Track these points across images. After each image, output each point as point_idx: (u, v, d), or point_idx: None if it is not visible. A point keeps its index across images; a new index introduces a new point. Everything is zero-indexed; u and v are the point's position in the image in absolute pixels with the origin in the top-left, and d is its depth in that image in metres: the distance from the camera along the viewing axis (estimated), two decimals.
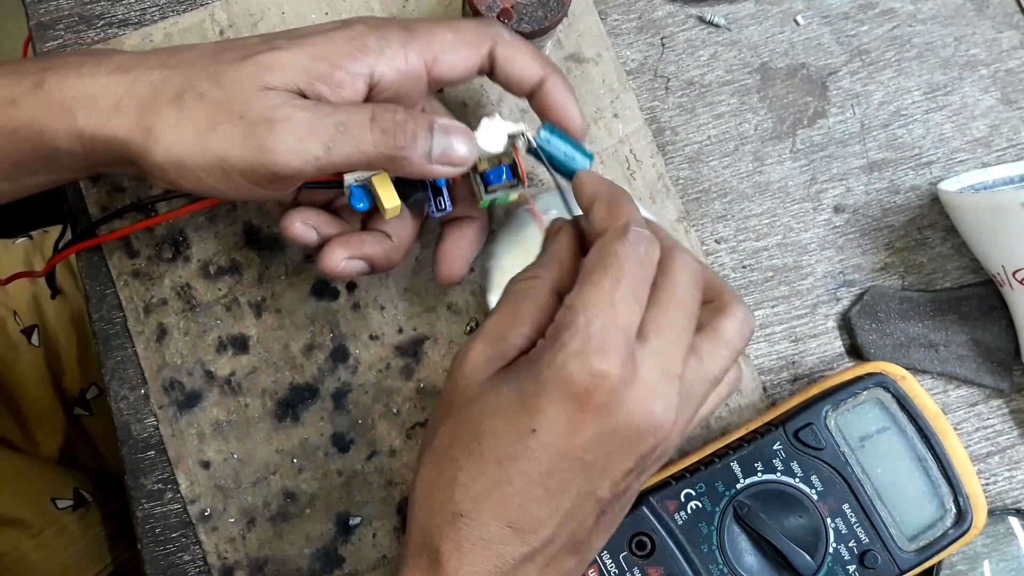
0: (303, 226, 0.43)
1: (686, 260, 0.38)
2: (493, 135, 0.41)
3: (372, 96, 0.41)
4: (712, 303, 0.39)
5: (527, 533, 0.35)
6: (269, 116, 0.39)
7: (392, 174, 0.41)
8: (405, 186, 0.42)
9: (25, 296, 0.75)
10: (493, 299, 0.47)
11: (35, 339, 0.74)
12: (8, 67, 0.41)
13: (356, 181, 0.42)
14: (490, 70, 0.43)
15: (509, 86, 0.43)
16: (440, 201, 0.43)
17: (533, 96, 0.43)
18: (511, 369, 0.37)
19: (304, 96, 0.40)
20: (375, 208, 0.43)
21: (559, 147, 0.42)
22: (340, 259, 0.43)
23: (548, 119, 0.43)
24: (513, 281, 0.40)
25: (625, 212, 0.38)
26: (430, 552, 0.36)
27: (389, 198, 0.42)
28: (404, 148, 0.39)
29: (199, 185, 0.40)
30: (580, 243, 0.40)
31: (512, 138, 0.42)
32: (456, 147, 0.40)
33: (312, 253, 0.44)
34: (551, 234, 0.41)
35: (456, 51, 0.42)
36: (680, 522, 0.44)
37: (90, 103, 0.40)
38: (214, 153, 0.39)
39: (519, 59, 0.42)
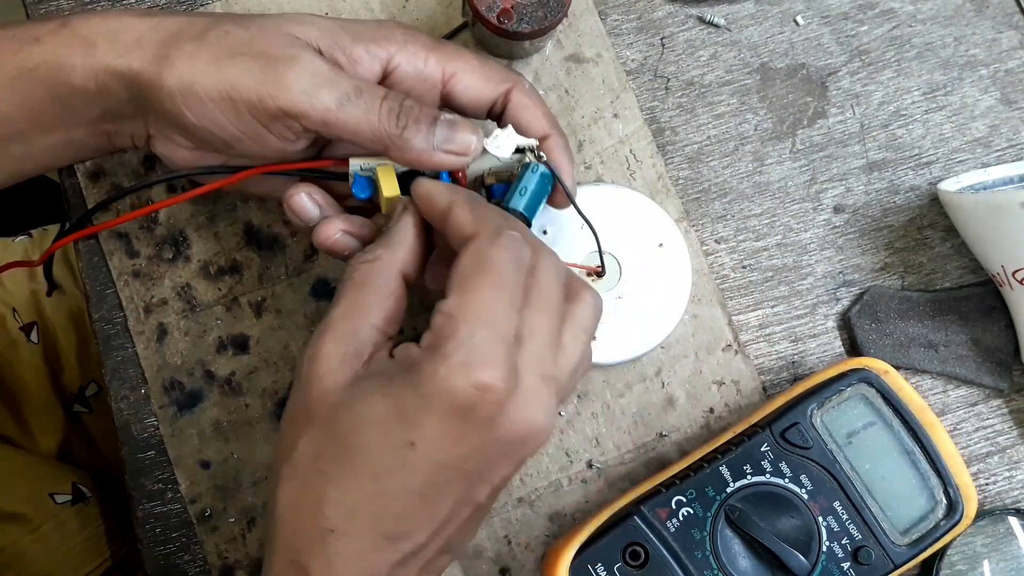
0: (307, 198, 0.42)
1: (552, 260, 0.38)
2: (503, 143, 0.41)
3: (385, 84, 0.42)
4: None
5: (401, 541, 0.35)
6: (291, 55, 0.39)
7: (395, 160, 0.41)
8: (408, 182, 0.42)
9: (24, 293, 0.75)
10: None
11: (34, 336, 0.74)
12: (36, 18, 0.42)
13: (361, 169, 0.42)
14: (500, 112, 0.43)
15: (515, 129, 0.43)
16: None
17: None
18: (378, 374, 0.36)
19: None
20: (375, 207, 0.43)
21: (536, 190, 0.41)
22: (335, 230, 0.41)
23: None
24: (353, 265, 0.38)
25: (492, 216, 0.37)
26: (298, 570, 0.35)
27: (390, 187, 0.41)
28: (407, 130, 0.39)
29: (204, 118, 0.40)
30: (424, 225, 0.39)
31: (520, 152, 0.42)
32: (459, 137, 0.40)
33: (305, 232, 0.43)
34: (399, 210, 0.40)
35: (475, 76, 0.43)
36: (672, 529, 0.44)
37: (111, 37, 0.40)
38: (226, 79, 0.39)
39: (532, 109, 0.43)
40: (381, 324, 0.37)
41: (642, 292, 0.48)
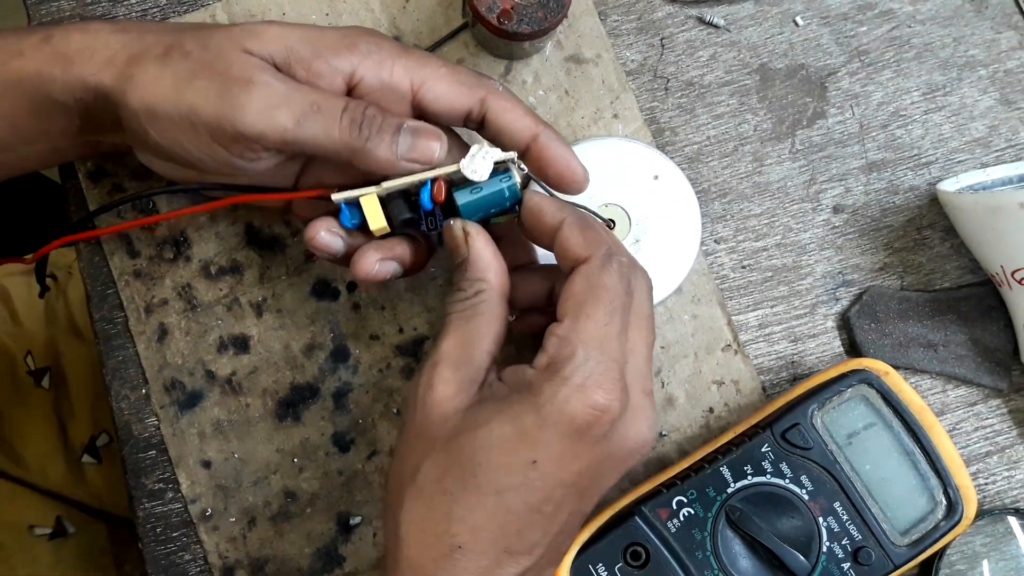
0: (328, 235, 0.42)
1: (644, 274, 0.39)
2: (479, 165, 0.40)
3: (350, 97, 0.42)
4: None
5: (522, 555, 0.36)
6: (247, 76, 0.39)
7: (361, 168, 0.41)
8: (392, 209, 0.42)
9: (42, 336, 0.73)
10: None
11: (45, 382, 0.73)
12: (22, 28, 0.43)
13: (345, 200, 0.42)
14: (481, 122, 0.42)
15: (500, 138, 0.42)
16: (431, 220, 0.42)
17: (528, 151, 0.42)
18: (496, 398, 0.37)
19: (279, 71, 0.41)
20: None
21: (490, 196, 0.41)
22: (373, 262, 0.42)
23: (549, 173, 0.42)
24: (456, 300, 0.40)
25: (601, 239, 0.39)
26: None
27: (375, 219, 0.41)
28: (369, 140, 0.39)
29: (167, 140, 0.40)
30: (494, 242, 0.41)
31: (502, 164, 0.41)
32: (422, 145, 0.40)
33: (338, 263, 0.44)
34: (461, 239, 0.40)
35: (446, 84, 0.42)
36: (673, 530, 0.44)
37: (88, 54, 0.41)
38: (185, 103, 0.39)
39: (511, 111, 0.42)
40: (493, 349, 0.39)
41: (657, 228, 0.49)
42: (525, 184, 0.42)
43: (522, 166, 0.41)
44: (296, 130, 0.39)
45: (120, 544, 0.71)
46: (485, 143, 0.41)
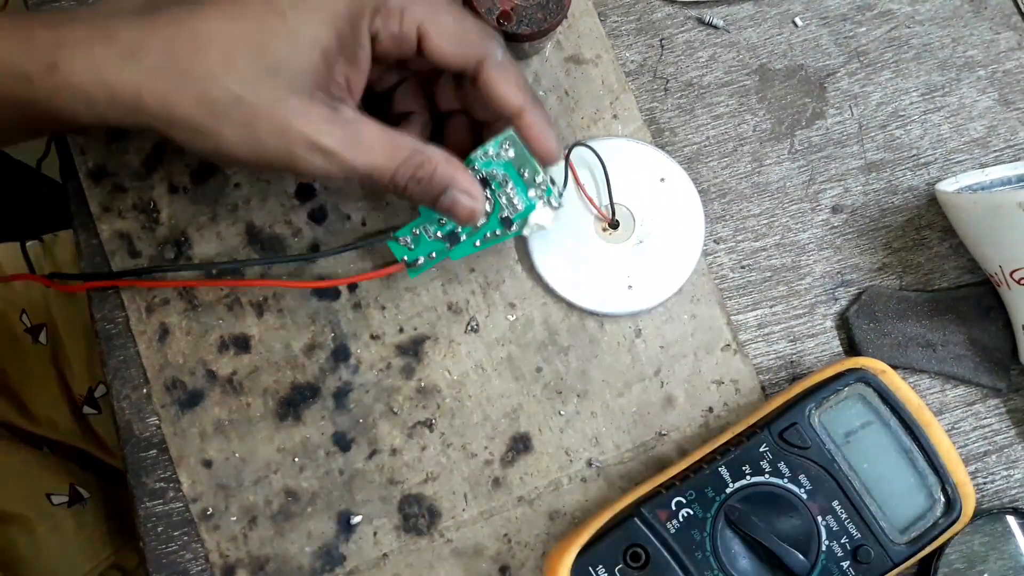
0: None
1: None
2: (538, 228, 0.45)
3: (374, 50, 0.42)
4: None
5: None
6: (312, 140, 0.40)
7: None
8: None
9: (34, 295, 0.75)
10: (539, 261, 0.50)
11: (43, 338, 0.74)
12: (13, 34, 0.39)
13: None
14: (474, 78, 0.43)
15: (489, 103, 0.43)
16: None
17: (511, 123, 0.43)
18: None
19: (330, 90, 0.41)
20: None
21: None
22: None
23: (529, 147, 0.44)
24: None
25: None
26: None
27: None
28: (413, 199, 0.43)
29: (247, 167, 0.45)
30: None
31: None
32: (460, 210, 0.43)
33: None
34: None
35: (447, 42, 0.42)
36: (673, 531, 0.44)
37: (109, 93, 0.39)
38: (265, 158, 0.41)
39: (504, 83, 0.43)
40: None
41: (660, 230, 0.49)
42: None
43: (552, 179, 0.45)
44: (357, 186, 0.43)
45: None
46: (545, 208, 0.45)
